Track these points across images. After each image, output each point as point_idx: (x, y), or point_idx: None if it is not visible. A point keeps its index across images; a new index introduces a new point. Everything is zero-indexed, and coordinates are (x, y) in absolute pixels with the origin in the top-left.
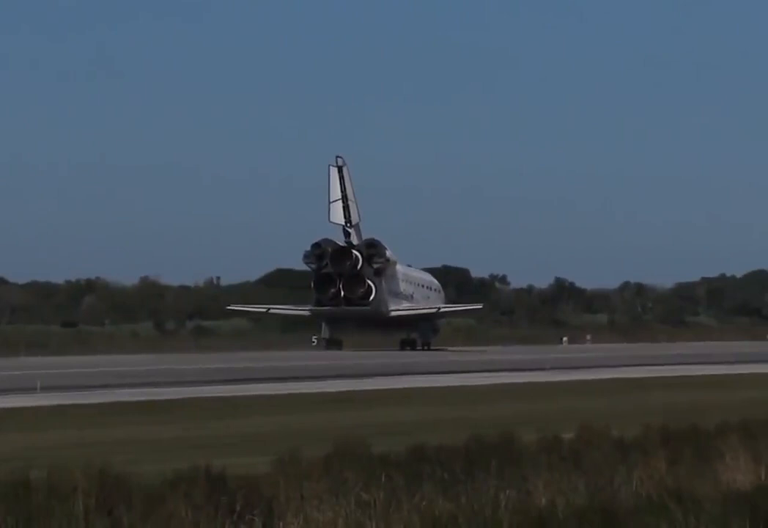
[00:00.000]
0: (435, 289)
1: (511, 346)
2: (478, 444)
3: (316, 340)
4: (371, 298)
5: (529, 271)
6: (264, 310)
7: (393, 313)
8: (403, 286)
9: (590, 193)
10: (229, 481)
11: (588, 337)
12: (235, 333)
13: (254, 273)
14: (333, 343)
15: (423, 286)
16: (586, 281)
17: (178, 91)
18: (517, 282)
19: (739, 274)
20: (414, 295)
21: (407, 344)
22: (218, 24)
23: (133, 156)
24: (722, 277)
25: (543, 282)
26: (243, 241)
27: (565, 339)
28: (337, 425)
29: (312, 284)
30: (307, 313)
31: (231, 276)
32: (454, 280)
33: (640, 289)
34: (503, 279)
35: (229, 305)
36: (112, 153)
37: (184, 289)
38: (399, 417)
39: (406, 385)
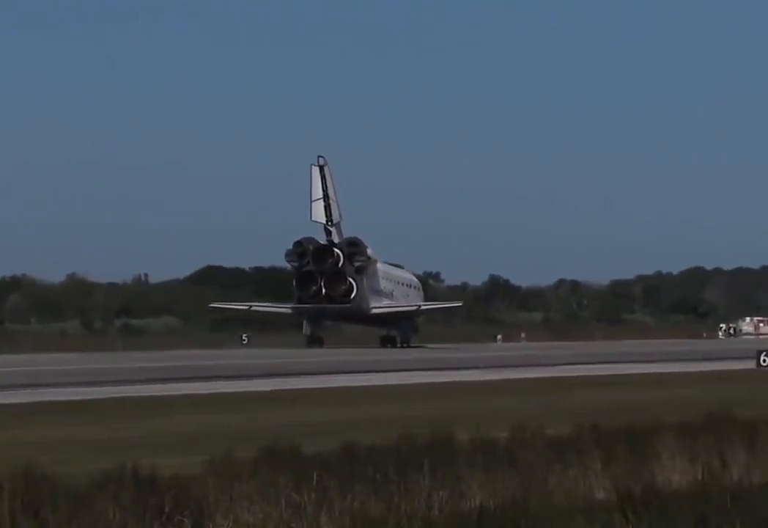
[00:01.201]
0: (414, 287)
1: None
2: (411, 443)
3: (246, 339)
4: (352, 295)
5: (463, 269)
6: (246, 307)
7: (374, 311)
8: (383, 284)
9: (524, 190)
10: (157, 482)
11: (523, 335)
12: (164, 331)
13: (183, 270)
14: (314, 341)
15: (403, 283)
16: (521, 279)
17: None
18: (451, 279)
19: (675, 272)
20: (394, 293)
21: (387, 341)
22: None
23: (59, 153)
24: (658, 274)
25: (477, 279)
26: (172, 238)
27: (499, 337)
28: (269, 425)
29: (294, 282)
30: (288, 310)
31: (160, 273)
32: None
33: (575, 287)
34: (437, 276)
35: (156, 302)
36: (37, 150)
37: (112, 286)
38: (332, 416)
39: (340, 384)
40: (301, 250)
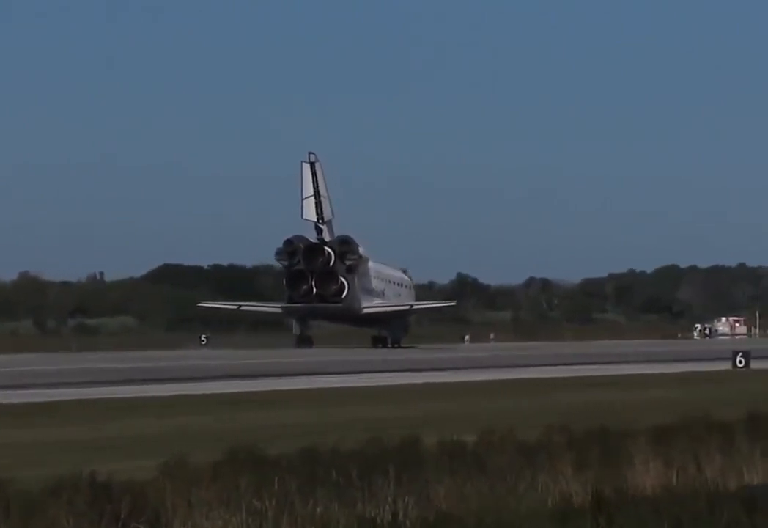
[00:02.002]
0: (406, 286)
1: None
2: (376, 447)
3: (206, 339)
4: (344, 295)
5: (430, 267)
6: (235, 307)
7: (365, 311)
8: (375, 283)
9: (492, 185)
10: (114, 487)
11: (491, 335)
12: (120, 331)
13: (140, 268)
14: (303, 341)
15: (394, 282)
16: (490, 277)
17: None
18: (417, 278)
19: (648, 270)
20: (386, 292)
21: (379, 342)
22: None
23: (13, 152)
24: (631, 272)
25: (444, 278)
26: (128, 235)
27: (467, 338)
28: (232, 428)
29: (284, 281)
30: (279, 310)
31: (116, 271)
32: None
33: (545, 286)
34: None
35: (112, 302)
36: None
37: (66, 285)
38: (297, 418)
39: (307, 386)
40: (291, 248)
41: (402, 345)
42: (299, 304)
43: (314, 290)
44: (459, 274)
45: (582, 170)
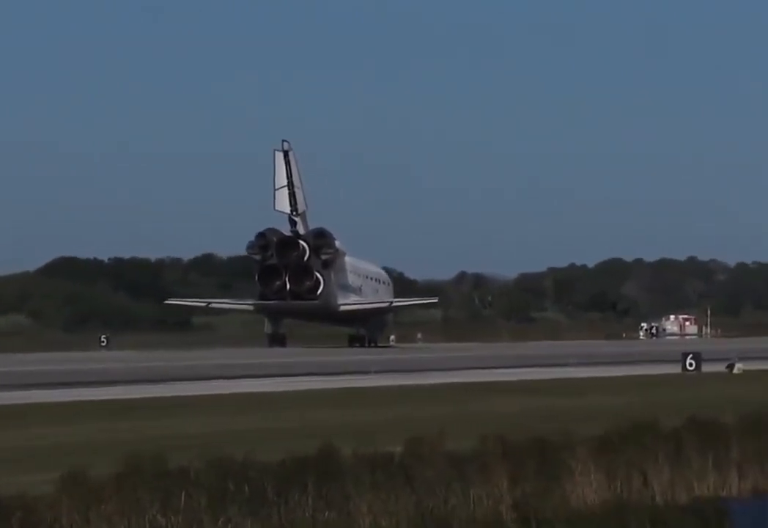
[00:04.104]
0: (383, 282)
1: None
2: (293, 459)
3: (106, 340)
4: (319, 291)
5: None
6: (204, 304)
7: (342, 308)
8: (351, 279)
9: (419, 171)
10: (3, 503)
11: (419, 335)
12: (12, 332)
13: (33, 262)
14: (276, 340)
15: (371, 278)
16: (417, 272)
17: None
18: None
19: (590, 264)
20: (362, 289)
21: (356, 341)
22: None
23: None
24: (572, 266)
25: None
26: (20, 225)
27: (392, 338)
28: (134, 437)
29: (256, 276)
30: (250, 307)
31: (6, 265)
32: None
33: (478, 281)
34: None
35: (2, 299)
36: None
37: None
38: (205, 427)
39: (216, 392)
40: (263, 242)
41: (379, 344)
42: (272, 301)
43: (288, 286)
44: (383, 269)
45: (517, 158)
